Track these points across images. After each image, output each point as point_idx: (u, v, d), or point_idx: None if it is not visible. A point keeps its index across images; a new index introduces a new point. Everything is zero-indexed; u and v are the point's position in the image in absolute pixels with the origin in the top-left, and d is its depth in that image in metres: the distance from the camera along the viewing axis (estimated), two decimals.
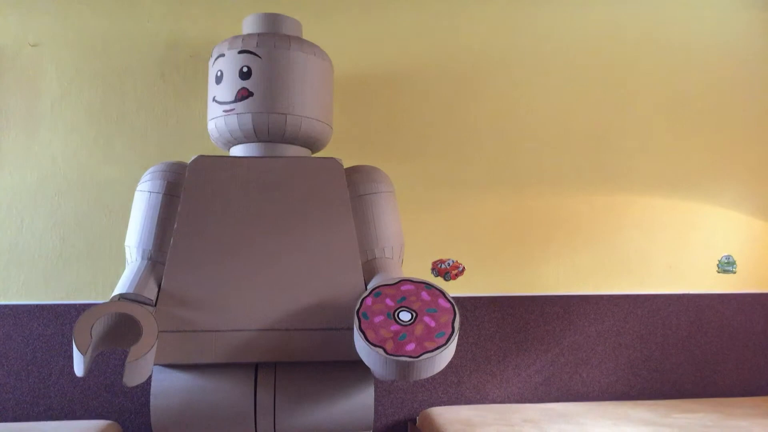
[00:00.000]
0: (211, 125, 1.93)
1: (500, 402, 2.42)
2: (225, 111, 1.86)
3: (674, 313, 2.53)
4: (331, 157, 1.88)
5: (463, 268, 2.47)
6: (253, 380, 1.73)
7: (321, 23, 2.46)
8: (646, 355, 2.50)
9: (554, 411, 2.23)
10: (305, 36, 2.29)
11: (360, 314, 1.63)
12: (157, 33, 2.43)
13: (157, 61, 2.42)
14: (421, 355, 1.53)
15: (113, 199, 2.34)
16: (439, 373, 2.37)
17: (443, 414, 2.19)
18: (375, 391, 2.34)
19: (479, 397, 2.41)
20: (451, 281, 2.46)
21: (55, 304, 2.28)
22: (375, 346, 1.55)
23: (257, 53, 1.85)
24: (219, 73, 1.89)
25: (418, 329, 1.60)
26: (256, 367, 1.75)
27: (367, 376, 1.77)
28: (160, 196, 1.82)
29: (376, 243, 1.87)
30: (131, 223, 1.85)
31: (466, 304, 2.44)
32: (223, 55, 1.89)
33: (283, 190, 1.83)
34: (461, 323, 2.41)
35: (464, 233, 2.49)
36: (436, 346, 1.56)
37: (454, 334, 1.58)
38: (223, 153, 2.18)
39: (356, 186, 1.90)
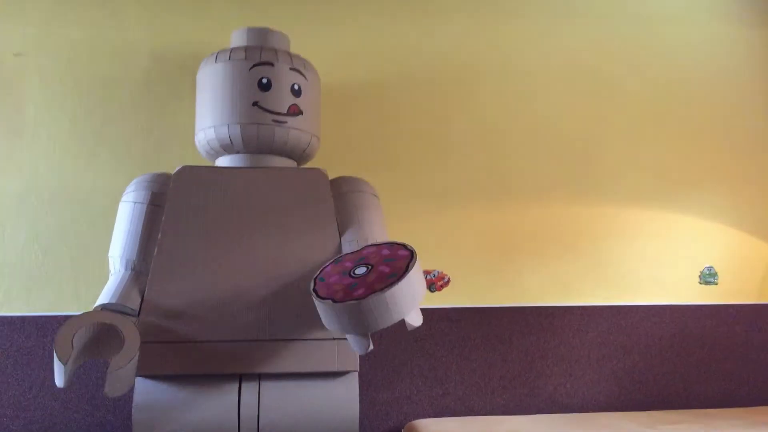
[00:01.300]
0: (250, 130, 1.88)
1: (485, 414, 2.41)
2: (276, 121, 1.89)
3: (657, 324, 2.55)
4: (316, 168, 1.90)
5: (449, 279, 2.47)
6: (237, 391, 1.72)
7: (307, 34, 2.47)
8: (629, 366, 2.52)
9: (539, 422, 2.23)
10: (292, 48, 2.30)
11: (317, 279, 1.62)
12: (142, 43, 2.42)
13: (142, 71, 2.41)
14: (368, 296, 1.45)
15: (96, 209, 2.32)
16: (424, 384, 2.38)
17: (428, 426, 2.19)
18: (360, 402, 2.34)
19: (464, 409, 2.41)
20: (437, 292, 2.46)
21: (36, 316, 2.25)
22: (324, 299, 1.52)
23: (305, 75, 1.96)
24: (265, 80, 1.89)
25: (371, 277, 1.53)
26: (240, 379, 1.74)
27: (352, 387, 1.76)
28: (145, 206, 1.81)
29: (360, 235, 1.84)
30: (115, 234, 1.84)
31: (451, 315, 2.44)
32: (271, 64, 1.90)
33: (268, 200, 1.83)
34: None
35: (450, 244, 2.49)
36: (384, 285, 1.47)
37: (408, 271, 1.49)
38: (208, 163, 2.17)
39: (340, 187, 1.94)
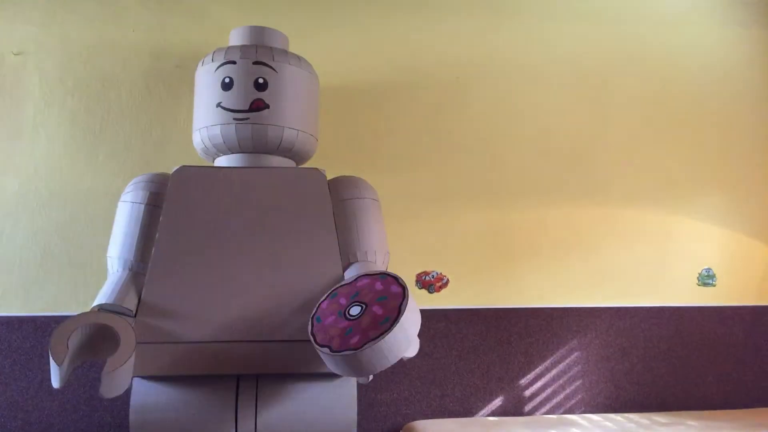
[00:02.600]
0: (214, 131, 1.89)
1: (484, 415, 2.41)
2: (237, 119, 1.86)
3: (655, 325, 2.55)
4: (314, 168, 1.89)
5: (448, 280, 2.47)
6: (234, 393, 1.72)
7: (306, 35, 2.47)
8: (628, 368, 2.52)
9: (537, 424, 2.23)
10: (291, 48, 2.30)
11: (314, 319, 1.62)
12: (142, 43, 2.42)
13: (142, 70, 2.41)
14: (363, 345, 1.47)
15: (95, 209, 2.32)
16: (422, 386, 2.38)
17: (427, 428, 2.19)
18: (358, 404, 2.33)
19: (463, 411, 2.41)
20: (436, 293, 2.46)
21: (34, 316, 2.24)
22: (322, 346, 1.53)
23: (273, 67, 1.89)
24: (227, 80, 1.88)
25: (365, 321, 1.53)
26: (238, 380, 1.74)
27: (349, 388, 1.76)
28: (143, 206, 1.81)
29: (358, 246, 1.85)
30: (113, 234, 1.84)
31: (449, 316, 2.44)
32: (233, 62, 1.89)
33: (267, 200, 1.83)
34: (445, 333, 2.42)
35: (448, 245, 2.49)
36: (379, 333, 1.48)
37: (400, 316, 1.50)
38: (207, 163, 2.17)
39: (339, 193, 1.90)
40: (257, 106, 1.87)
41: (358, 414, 2.35)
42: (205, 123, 1.91)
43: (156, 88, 2.41)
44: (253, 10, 2.48)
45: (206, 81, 1.92)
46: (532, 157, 2.58)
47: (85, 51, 2.39)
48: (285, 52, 1.96)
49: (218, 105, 1.88)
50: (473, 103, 2.58)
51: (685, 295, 2.60)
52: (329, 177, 1.92)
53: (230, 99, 1.87)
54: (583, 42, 2.67)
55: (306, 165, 2.20)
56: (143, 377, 1.69)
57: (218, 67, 1.90)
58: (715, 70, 2.74)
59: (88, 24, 2.40)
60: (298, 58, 1.98)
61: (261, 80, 1.88)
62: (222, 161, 1.96)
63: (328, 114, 2.43)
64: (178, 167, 1.84)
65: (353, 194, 1.91)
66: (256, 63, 1.89)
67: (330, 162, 2.31)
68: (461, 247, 2.50)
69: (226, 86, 1.88)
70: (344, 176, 1.98)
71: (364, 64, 2.53)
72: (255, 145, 1.90)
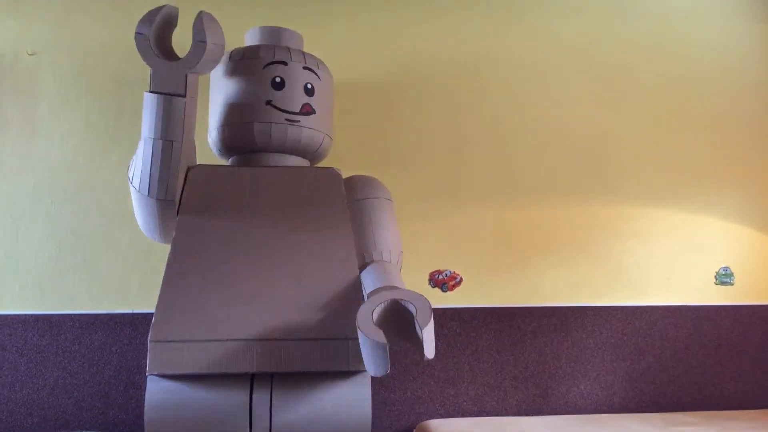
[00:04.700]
0: (260, 128, 1.88)
1: (498, 414, 2.40)
2: (289, 120, 1.89)
3: (672, 324, 2.53)
4: (330, 167, 1.90)
5: (461, 278, 2.46)
6: (248, 391, 1.72)
7: (318, 33, 2.46)
8: (644, 368, 2.49)
9: (552, 424, 2.22)
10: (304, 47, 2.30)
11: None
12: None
13: None
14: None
15: (110, 207, 2.33)
16: (436, 385, 2.38)
17: (440, 427, 2.18)
18: (372, 402, 2.33)
19: (476, 410, 2.40)
20: (449, 292, 2.45)
21: (50, 314, 2.26)
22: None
23: (318, 75, 1.97)
24: (279, 80, 1.90)
25: None
26: (252, 378, 1.74)
27: (364, 387, 1.76)
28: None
29: (374, 246, 1.86)
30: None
31: (463, 315, 2.43)
32: (285, 63, 1.91)
33: (282, 199, 1.83)
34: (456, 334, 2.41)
35: (462, 244, 2.48)
36: None
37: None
38: (221, 162, 2.18)
39: (354, 192, 1.92)
40: (306, 110, 1.92)
41: (372, 412, 2.34)
42: (248, 118, 1.89)
43: None
44: (265, 7, 2.48)
45: (248, 76, 1.91)
46: (546, 155, 2.57)
47: (99, 51, 2.40)
48: (320, 60, 2.02)
49: (268, 102, 1.89)
50: (487, 100, 2.57)
51: (703, 294, 2.57)
52: (343, 176, 1.92)
53: (282, 99, 1.90)
54: (597, 38, 2.65)
55: (320, 164, 2.21)
56: (159, 376, 1.69)
57: (267, 65, 1.91)
58: (731, 66, 2.70)
59: (102, 24, 2.41)
60: (323, 63, 2.03)
61: (309, 86, 1.94)
62: (237, 160, 1.96)
63: (340, 112, 2.43)
64: (194, 165, 1.85)
65: (367, 194, 1.92)
66: (305, 68, 1.95)
67: (343, 161, 2.31)
68: (475, 245, 2.49)
69: (278, 85, 1.90)
70: (358, 175, 1.99)
71: (376, 62, 2.53)
72: (295, 148, 1.95)
